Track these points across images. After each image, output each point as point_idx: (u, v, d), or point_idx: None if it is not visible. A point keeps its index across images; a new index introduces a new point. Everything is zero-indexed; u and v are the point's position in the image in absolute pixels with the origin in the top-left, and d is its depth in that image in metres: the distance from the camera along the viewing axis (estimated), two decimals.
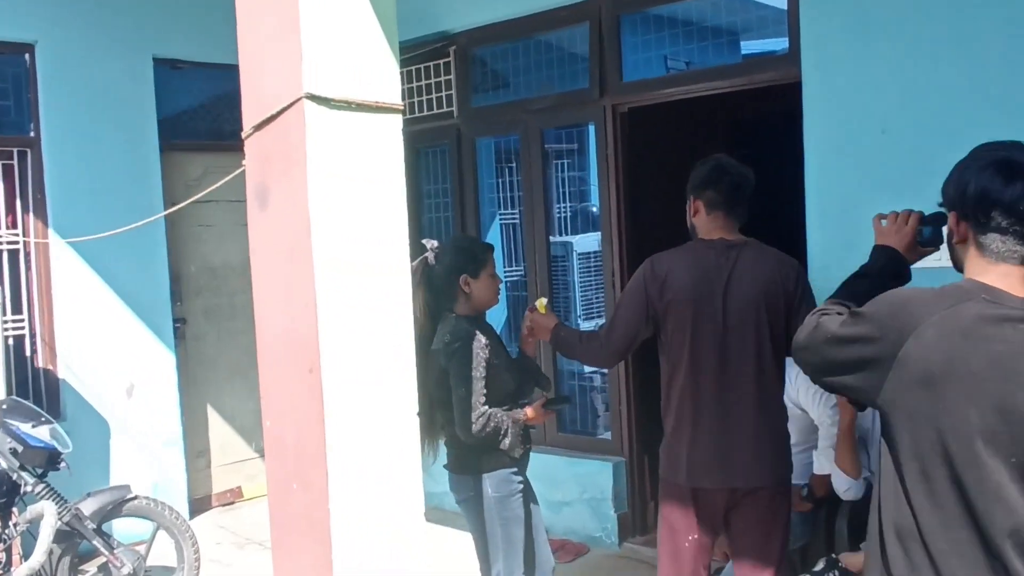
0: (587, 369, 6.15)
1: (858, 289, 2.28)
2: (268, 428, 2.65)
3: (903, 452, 1.92)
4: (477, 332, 3.63)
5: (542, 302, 3.82)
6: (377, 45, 2.58)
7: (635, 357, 4.93)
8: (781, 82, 4.68)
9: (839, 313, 2.08)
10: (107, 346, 6.01)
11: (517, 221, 6.33)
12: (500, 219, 6.56)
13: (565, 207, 6.34)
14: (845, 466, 3.73)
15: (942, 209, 2.14)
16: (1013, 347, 1.81)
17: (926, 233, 2.50)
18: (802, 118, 4.50)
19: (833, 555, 3.50)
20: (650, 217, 5.44)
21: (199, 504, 6.46)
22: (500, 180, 6.45)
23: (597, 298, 6.00)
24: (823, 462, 3.87)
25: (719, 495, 3.24)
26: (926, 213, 2.48)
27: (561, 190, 6.19)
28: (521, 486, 3.74)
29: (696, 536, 3.30)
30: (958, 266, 2.01)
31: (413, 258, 5.41)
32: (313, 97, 2.44)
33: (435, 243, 3.81)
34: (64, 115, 5.85)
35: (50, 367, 5.86)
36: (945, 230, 2.13)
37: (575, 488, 5.59)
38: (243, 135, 2.64)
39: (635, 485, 5.56)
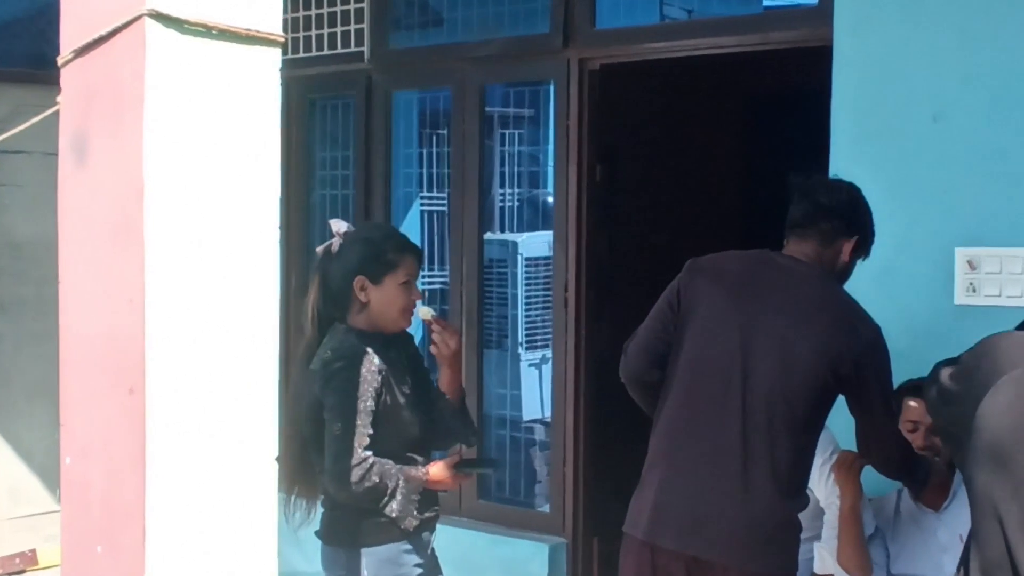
0: (526, 416, 6.19)
1: None
2: (67, 467, 2.65)
3: (974, 546, 1.98)
4: (369, 351, 3.64)
5: (425, 311, 3.86)
6: None
7: (589, 406, 4.98)
8: (807, 44, 4.77)
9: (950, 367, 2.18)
10: None
11: (444, 208, 6.39)
12: (421, 204, 6.58)
13: (510, 193, 6.34)
14: (849, 564, 3.81)
15: None
16: None
17: None
18: (830, 94, 4.58)
19: None
20: (625, 212, 5.48)
21: None
22: (423, 150, 6.49)
23: (544, 318, 6.01)
24: (826, 557, 3.94)
25: (677, 563, 3.34)
26: None
27: (506, 170, 6.20)
28: (419, 571, 3.74)
29: None
30: None
31: (291, 247, 5.44)
32: (159, 16, 2.43)
33: (344, 226, 3.84)
34: None
35: None
36: None
37: None
38: (59, 62, 2.64)
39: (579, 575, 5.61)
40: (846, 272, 3.60)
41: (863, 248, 3.61)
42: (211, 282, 2.54)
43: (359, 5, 6.17)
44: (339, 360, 3.62)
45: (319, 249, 3.85)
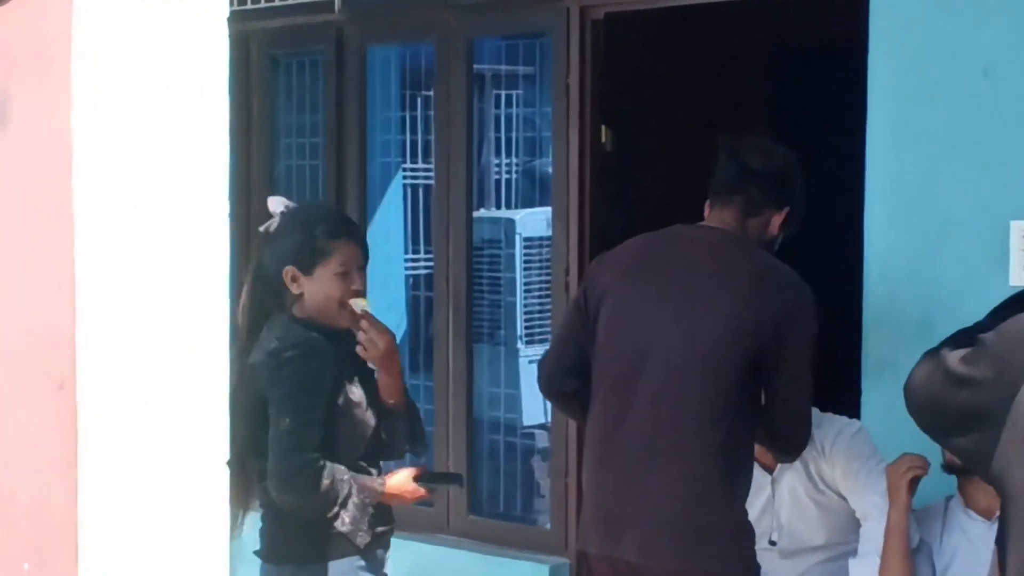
0: (525, 421, 6.23)
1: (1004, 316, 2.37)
2: None
3: (1010, 555, 2.04)
4: (323, 341, 3.67)
5: (359, 303, 3.82)
6: None
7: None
8: None
9: (967, 344, 2.21)
10: None
11: (429, 182, 6.38)
12: (404, 177, 6.59)
13: (506, 164, 6.36)
14: None
15: None
16: None
17: None
18: (867, 46, 4.62)
19: None
20: (638, 184, 5.51)
21: None
22: (404, 115, 6.51)
23: (543, 308, 6.06)
24: (865, 573, 3.98)
25: (607, 569, 3.47)
26: None
27: (499, 136, 6.21)
28: None
29: None
30: None
31: (252, 227, 5.47)
32: None
33: (282, 206, 3.83)
34: None
35: None
36: None
37: None
38: None
39: None
40: (771, 244, 3.64)
41: (793, 222, 3.65)
42: (150, 264, 2.57)
43: None
44: (289, 349, 3.65)
45: (260, 229, 3.87)
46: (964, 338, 2.29)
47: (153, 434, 2.56)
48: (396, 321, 6.18)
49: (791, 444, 3.55)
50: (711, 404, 3.38)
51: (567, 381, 3.66)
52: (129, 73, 2.52)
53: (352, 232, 3.90)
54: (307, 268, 3.71)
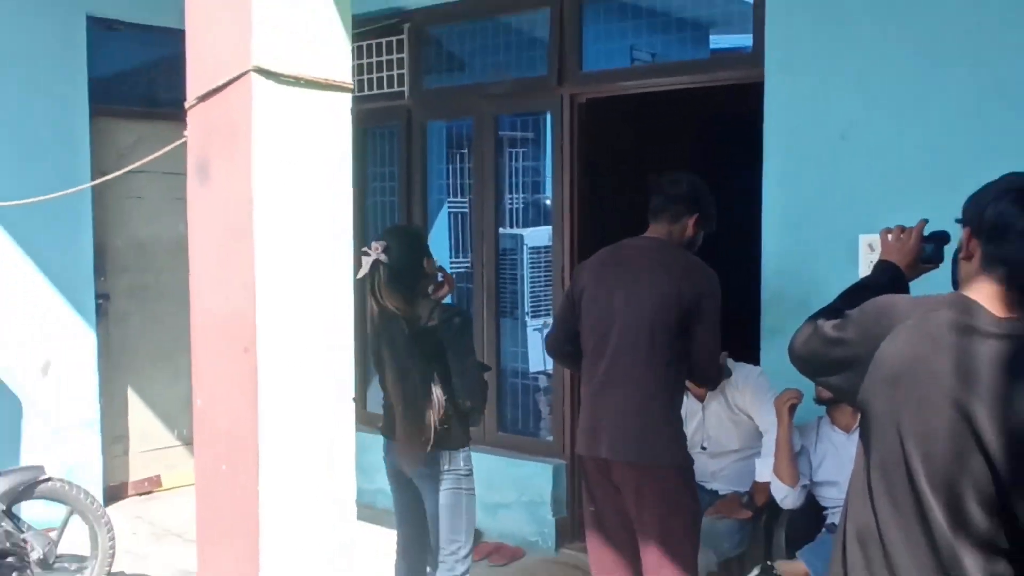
0: (532, 369, 6.26)
1: (857, 301, 2.43)
2: (199, 408, 2.71)
3: (873, 452, 2.09)
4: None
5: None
6: (329, 20, 2.65)
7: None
8: (745, 81, 4.79)
9: (834, 318, 2.26)
10: (22, 320, 6.00)
11: (466, 210, 6.39)
12: (448, 207, 6.62)
13: (517, 198, 6.42)
14: (782, 474, 3.90)
15: (944, 229, 2.33)
16: (975, 360, 1.97)
17: (928, 250, 2.71)
18: (762, 119, 4.62)
19: (769, 562, 3.64)
20: (605, 213, 5.54)
21: (114, 492, 6.47)
22: (450, 166, 6.51)
23: (546, 295, 6.10)
24: (764, 470, 4.02)
25: (592, 464, 3.61)
26: (929, 230, 2.69)
27: (513, 180, 6.25)
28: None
29: (594, 508, 3.70)
30: (956, 282, 2.16)
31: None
32: (262, 71, 2.52)
33: (380, 244, 3.73)
34: None
35: None
36: (950, 248, 2.30)
37: (513, 490, 5.68)
38: (186, 105, 2.70)
39: (575, 489, 5.59)
40: (693, 242, 3.66)
41: (705, 222, 3.66)
42: (303, 269, 2.62)
43: (400, 56, 6.18)
44: (457, 316, 3.81)
45: (366, 263, 3.74)
46: (831, 313, 2.35)
47: (308, 381, 2.60)
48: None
49: (709, 376, 3.66)
50: (654, 352, 3.45)
51: (565, 347, 3.79)
52: (288, 144, 2.56)
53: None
54: (430, 255, 3.90)
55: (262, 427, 2.53)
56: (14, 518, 4.51)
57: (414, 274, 3.79)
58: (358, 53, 6.36)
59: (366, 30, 6.26)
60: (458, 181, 6.51)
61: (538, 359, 6.25)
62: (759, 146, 4.65)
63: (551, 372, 5.87)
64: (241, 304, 2.56)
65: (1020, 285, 2.05)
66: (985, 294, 2.05)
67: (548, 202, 5.89)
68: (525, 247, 6.59)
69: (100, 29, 6.32)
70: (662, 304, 3.42)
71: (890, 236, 2.73)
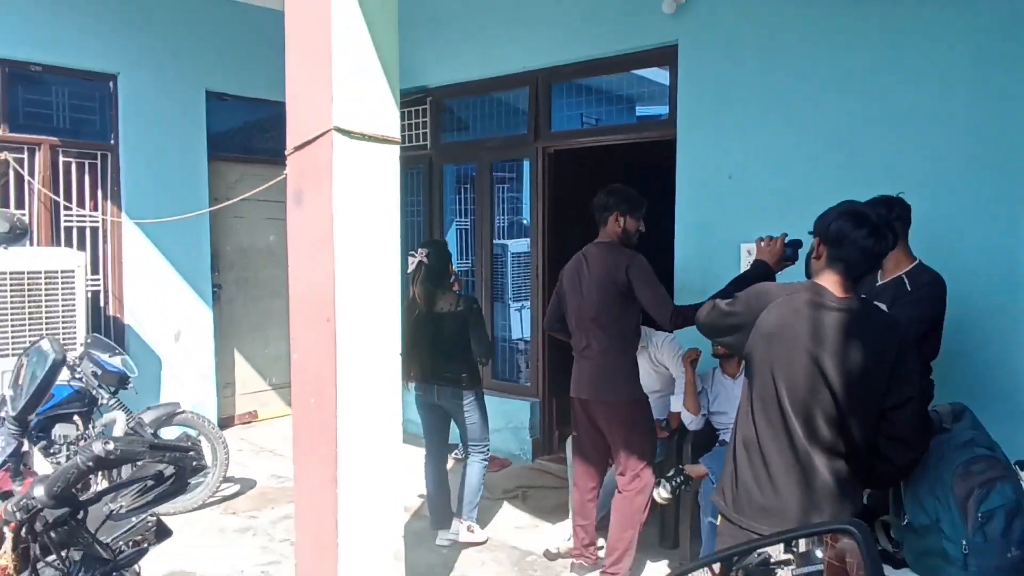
0: (514, 336, 6.28)
1: (742, 287, 2.51)
2: (295, 360, 2.75)
3: (754, 387, 2.17)
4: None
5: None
6: (385, 94, 2.71)
7: (546, 332, 5.18)
8: (663, 139, 4.80)
9: (726, 298, 2.34)
10: (162, 302, 6.01)
11: (469, 227, 6.35)
12: (456, 225, 6.59)
13: (504, 219, 6.38)
14: (690, 407, 3.95)
15: (798, 238, 2.41)
16: (823, 325, 2.06)
17: (788, 253, 2.82)
18: (675, 164, 4.67)
19: (680, 466, 3.70)
20: (565, 229, 5.55)
21: (225, 422, 6.47)
22: (459, 196, 6.46)
23: (525, 285, 6.12)
24: (676, 404, 4.07)
25: (577, 403, 3.61)
26: (788, 239, 2.78)
27: (502, 206, 6.19)
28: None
29: (575, 434, 3.70)
30: (808, 274, 2.24)
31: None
32: (339, 130, 2.57)
33: (420, 251, 4.05)
34: (136, 129, 5.83)
35: (118, 315, 5.85)
36: (802, 251, 2.39)
37: (503, 419, 5.69)
38: (286, 153, 2.73)
39: (545, 419, 5.68)
40: (629, 234, 3.52)
41: (630, 214, 3.50)
42: (366, 266, 2.67)
43: (424, 119, 6.21)
44: (476, 303, 4.11)
45: (413, 262, 4.04)
46: (724, 295, 2.44)
47: (369, 340, 2.65)
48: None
49: (663, 317, 3.28)
50: (609, 324, 3.44)
51: (555, 325, 3.75)
52: (357, 181, 2.61)
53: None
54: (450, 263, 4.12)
55: (339, 374, 2.59)
56: (159, 438, 4.53)
57: (444, 272, 4.01)
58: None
59: (403, 101, 6.26)
60: (464, 207, 6.45)
61: (519, 330, 6.24)
62: (673, 183, 4.68)
63: (528, 339, 5.88)
64: (324, 290, 2.61)
65: (853, 276, 2.13)
66: (829, 282, 2.13)
67: (526, 221, 5.91)
68: (510, 253, 6.55)
69: (214, 99, 6.32)
70: (608, 289, 3.40)
71: (762, 243, 2.81)
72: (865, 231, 2.07)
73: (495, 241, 6.09)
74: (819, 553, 1.37)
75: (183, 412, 4.66)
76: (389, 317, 2.77)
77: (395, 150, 2.78)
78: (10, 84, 5.37)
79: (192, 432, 4.77)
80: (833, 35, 4.05)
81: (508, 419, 5.71)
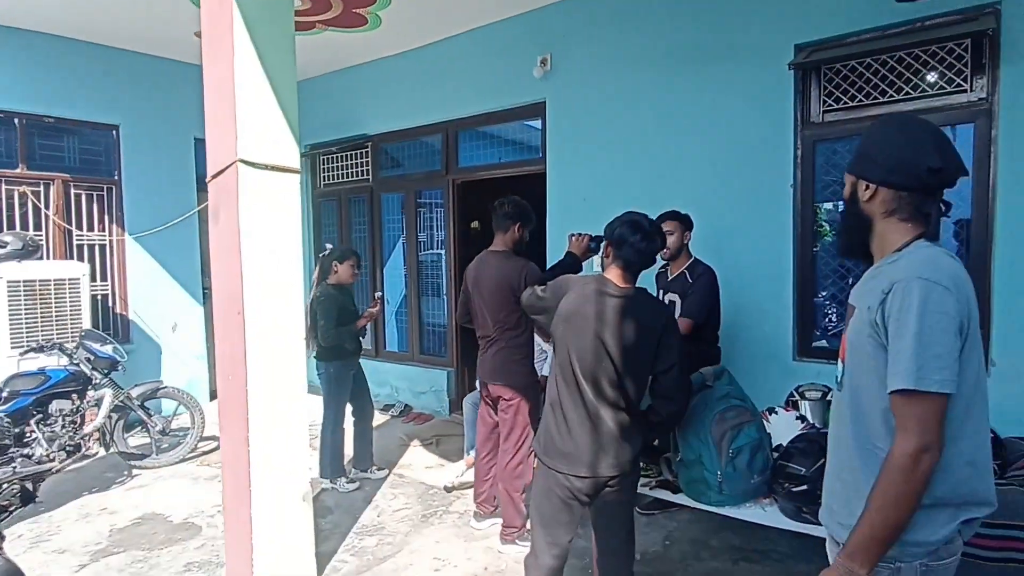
0: (437, 321, 6.09)
1: (555, 273, 2.38)
2: (218, 344, 2.57)
3: (557, 359, 2.05)
4: (337, 292, 3.68)
5: (378, 292, 3.90)
6: (284, 132, 2.52)
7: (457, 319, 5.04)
8: (538, 172, 4.72)
9: (542, 286, 2.20)
10: (161, 301, 5.65)
11: (403, 242, 6.17)
12: (401, 240, 6.41)
13: (427, 234, 6.21)
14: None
15: (600, 235, 2.32)
16: (605, 308, 1.96)
17: (592, 246, 2.69)
18: (546, 190, 4.59)
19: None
20: (470, 242, 5.43)
21: (215, 393, 6.11)
22: (395, 218, 6.26)
23: (439, 286, 5.94)
24: (545, 369, 3.94)
25: (480, 383, 3.24)
26: (592, 236, 2.66)
27: (425, 225, 6.01)
28: (352, 372, 3.78)
29: (480, 408, 3.34)
30: (603, 267, 2.12)
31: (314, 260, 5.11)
32: (244, 161, 2.38)
33: (328, 245, 3.84)
34: (136, 167, 5.47)
35: (124, 313, 5.48)
36: (601, 249, 2.28)
37: (427, 384, 5.55)
38: (207, 180, 2.55)
39: (459, 384, 5.54)
40: (522, 240, 3.14)
41: (526, 225, 3.12)
42: (270, 268, 2.48)
43: (367, 159, 5.99)
44: (320, 296, 3.67)
45: (325, 250, 3.78)
46: (540, 283, 2.30)
47: (272, 328, 2.47)
48: (398, 290, 6.02)
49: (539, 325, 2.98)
50: (504, 315, 3.07)
51: (466, 319, 3.28)
52: (261, 201, 2.42)
53: (357, 254, 3.82)
54: (340, 263, 3.73)
55: (248, 355, 2.40)
56: (145, 409, 4.24)
57: (326, 270, 3.77)
58: (347, 158, 6.15)
59: (349, 146, 6.06)
60: (399, 226, 6.20)
61: (439, 316, 6.05)
62: (545, 204, 4.59)
63: (446, 324, 5.73)
64: (235, 289, 2.43)
65: (632, 270, 2.04)
66: (614, 275, 2.03)
67: (442, 237, 5.73)
68: (430, 261, 6.35)
69: (202, 143, 5.94)
70: (505, 292, 3.07)
71: (573, 238, 2.70)
72: (639, 236, 1.98)
73: (420, 253, 5.87)
74: None
75: (165, 387, 4.38)
76: (290, 308, 2.57)
77: (295, 177, 2.58)
78: (27, 132, 4.99)
79: (173, 403, 4.49)
80: (656, 90, 4.01)
81: (432, 383, 5.56)
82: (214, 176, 2.50)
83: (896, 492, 1.12)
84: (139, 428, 4.42)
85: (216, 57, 2.41)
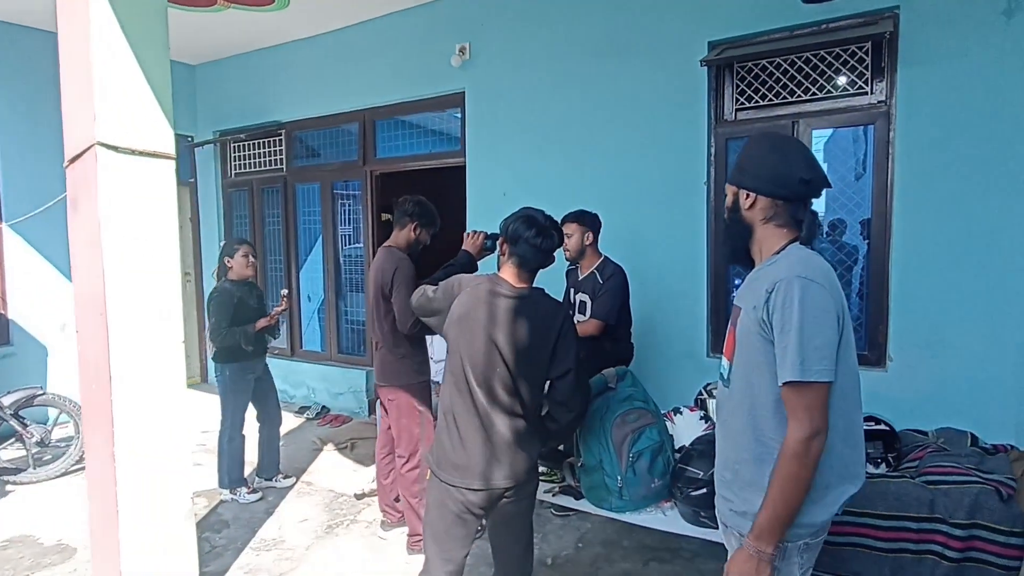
0: (360, 319, 5.87)
1: (449, 273, 2.26)
2: (79, 350, 2.31)
3: (449, 364, 1.93)
4: (233, 288, 3.44)
5: (284, 291, 3.67)
6: (156, 114, 2.27)
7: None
8: (458, 164, 4.61)
9: (433, 285, 2.07)
10: (47, 297, 5.14)
11: (320, 234, 5.90)
12: (317, 232, 6.13)
13: (351, 228, 5.97)
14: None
15: (496, 232, 2.19)
16: (498, 310, 1.85)
17: (488, 244, 2.57)
18: (466, 184, 4.46)
19: None
20: (389, 233, 5.27)
21: None
22: (310, 209, 5.98)
23: (359, 280, 5.73)
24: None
25: (375, 383, 3.04)
26: (488, 233, 2.54)
27: (342, 217, 5.77)
28: (252, 375, 3.51)
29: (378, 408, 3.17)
30: (498, 267, 2.01)
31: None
32: (103, 144, 2.12)
33: (222, 240, 3.54)
34: (13, 147, 4.95)
35: (2, 312, 4.96)
36: (498, 247, 2.17)
37: (346, 384, 5.35)
38: (64, 165, 2.27)
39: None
40: (419, 241, 2.96)
41: (426, 226, 2.96)
42: (137, 265, 2.24)
43: (280, 148, 5.69)
44: (213, 292, 3.43)
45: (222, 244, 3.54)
46: (432, 283, 2.18)
47: (142, 331, 2.23)
48: (317, 288, 5.76)
49: (402, 325, 2.76)
50: (382, 317, 2.85)
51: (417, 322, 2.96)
52: (126, 190, 2.17)
53: (248, 243, 3.53)
54: (231, 256, 3.46)
55: (112, 362, 2.16)
56: (20, 418, 3.84)
57: (221, 267, 3.56)
58: (257, 147, 5.82)
59: (261, 133, 5.73)
60: (315, 218, 5.90)
61: (356, 314, 5.83)
62: (465, 197, 4.48)
63: (363, 322, 5.52)
64: (97, 287, 2.18)
65: (528, 268, 1.95)
66: (508, 274, 1.94)
67: (360, 229, 5.51)
68: (351, 255, 6.11)
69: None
70: (378, 289, 2.85)
71: (468, 236, 2.60)
72: (534, 231, 1.89)
73: (339, 247, 5.62)
74: None
75: (44, 394, 3.97)
76: (165, 309, 2.32)
77: (169, 164, 2.33)
78: None
79: (54, 411, 4.08)
80: (574, 84, 3.95)
81: (350, 384, 5.35)
82: (71, 161, 2.22)
83: (794, 476, 1.25)
84: (13, 440, 3.99)
85: (70, 24, 2.14)
